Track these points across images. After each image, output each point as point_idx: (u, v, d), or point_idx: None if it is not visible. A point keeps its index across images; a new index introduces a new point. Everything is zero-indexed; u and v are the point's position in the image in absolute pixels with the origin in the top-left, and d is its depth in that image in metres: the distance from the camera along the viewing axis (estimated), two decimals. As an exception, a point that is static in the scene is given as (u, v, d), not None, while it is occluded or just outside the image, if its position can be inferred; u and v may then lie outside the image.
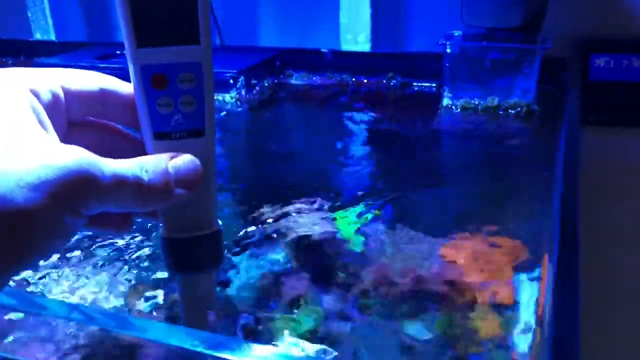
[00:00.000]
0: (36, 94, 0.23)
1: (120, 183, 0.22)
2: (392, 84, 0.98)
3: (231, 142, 0.84)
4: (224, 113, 0.90)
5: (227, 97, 0.94)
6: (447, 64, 0.83)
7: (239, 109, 0.93)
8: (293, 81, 1.04)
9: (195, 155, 0.26)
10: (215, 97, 0.94)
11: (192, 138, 0.27)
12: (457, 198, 0.62)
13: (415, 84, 0.97)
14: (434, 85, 0.95)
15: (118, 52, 1.07)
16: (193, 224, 0.28)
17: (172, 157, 0.25)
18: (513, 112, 0.81)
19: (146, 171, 0.24)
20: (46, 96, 0.23)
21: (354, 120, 0.87)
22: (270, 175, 0.69)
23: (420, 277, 0.46)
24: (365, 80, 0.99)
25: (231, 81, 0.92)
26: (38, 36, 1.21)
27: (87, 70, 0.26)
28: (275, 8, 1.12)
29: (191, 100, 0.26)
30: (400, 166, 0.71)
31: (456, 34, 0.86)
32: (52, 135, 0.23)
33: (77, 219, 0.21)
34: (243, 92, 0.94)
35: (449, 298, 0.44)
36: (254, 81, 0.96)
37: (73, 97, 0.25)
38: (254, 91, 0.97)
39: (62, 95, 0.24)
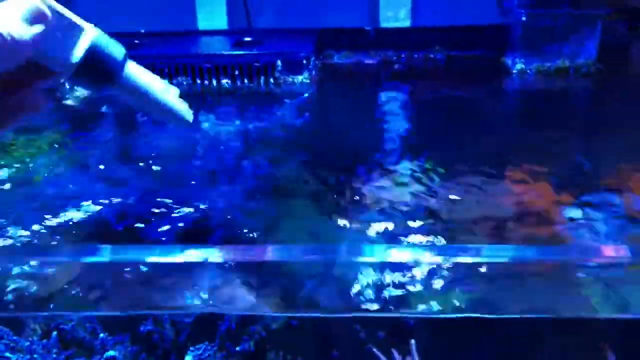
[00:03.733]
0: None
1: None
2: (438, 57, 1.02)
3: (309, 122, 0.82)
4: (306, 94, 0.88)
5: (300, 78, 0.91)
6: (518, 31, 0.90)
7: (311, 90, 0.90)
8: (336, 60, 1.03)
9: None
10: (290, 79, 0.90)
11: None
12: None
13: (463, 55, 1.02)
14: (482, 55, 1.01)
15: (136, 41, 0.97)
16: None
17: None
18: (583, 70, 0.91)
19: None
20: None
21: (420, 94, 0.90)
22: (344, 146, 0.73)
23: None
24: (414, 55, 1.02)
25: (304, 62, 0.89)
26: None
27: None
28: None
29: None
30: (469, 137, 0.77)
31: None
32: None
33: None
34: (314, 73, 0.91)
35: None
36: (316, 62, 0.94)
37: None
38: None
39: None
